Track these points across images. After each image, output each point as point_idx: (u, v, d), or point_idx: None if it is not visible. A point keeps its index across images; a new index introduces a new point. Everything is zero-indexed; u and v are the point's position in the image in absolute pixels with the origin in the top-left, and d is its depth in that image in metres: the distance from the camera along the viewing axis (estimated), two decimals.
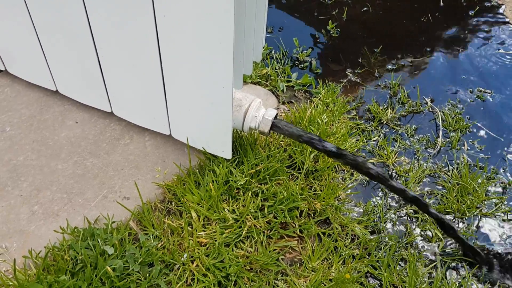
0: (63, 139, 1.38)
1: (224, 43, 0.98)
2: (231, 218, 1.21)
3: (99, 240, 1.11)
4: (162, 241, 1.17)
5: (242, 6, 1.02)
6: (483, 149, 1.56)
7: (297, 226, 1.25)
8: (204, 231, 1.19)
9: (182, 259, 1.14)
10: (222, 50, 1.00)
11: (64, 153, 1.35)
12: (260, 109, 1.26)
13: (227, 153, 1.27)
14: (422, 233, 1.32)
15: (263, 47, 1.33)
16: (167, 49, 1.09)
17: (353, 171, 1.43)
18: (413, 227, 1.33)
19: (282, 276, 1.17)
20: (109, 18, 1.10)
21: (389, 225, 1.33)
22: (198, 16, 0.97)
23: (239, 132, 1.36)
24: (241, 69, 1.13)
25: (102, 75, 1.28)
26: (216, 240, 1.17)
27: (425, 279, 1.20)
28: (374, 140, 1.55)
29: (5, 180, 1.27)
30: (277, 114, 1.27)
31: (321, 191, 1.33)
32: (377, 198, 1.39)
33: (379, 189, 1.41)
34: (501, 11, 2.16)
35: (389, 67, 1.84)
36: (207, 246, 1.17)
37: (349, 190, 1.39)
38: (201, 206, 1.23)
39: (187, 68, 1.10)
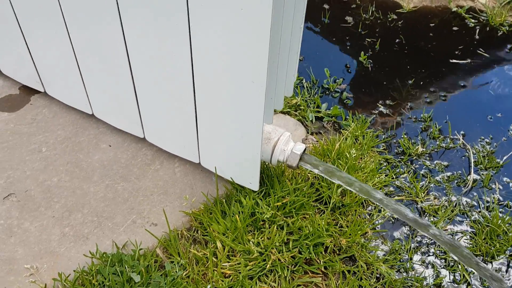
0: (96, 162, 1.42)
1: (257, 83, 1.00)
2: (255, 251, 1.21)
3: (126, 266, 1.14)
4: (187, 270, 1.18)
5: (276, 47, 1.04)
6: None
7: (321, 262, 1.24)
8: (228, 262, 1.20)
9: None
10: (255, 89, 1.02)
11: (97, 176, 1.38)
12: (289, 143, 1.27)
13: (254, 185, 1.28)
14: (450, 275, 1.29)
15: (295, 81, 1.35)
16: (201, 84, 1.11)
17: (381, 207, 1.41)
18: (440, 268, 1.30)
19: None
20: (146, 46, 1.13)
21: (415, 265, 1.31)
22: (233, 55, 1.00)
23: (267, 164, 1.37)
24: (272, 105, 1.15)
25: (137, 101, 1.32)
26: (240, 272, 1.17)
27: None
28: (403, 177, 1.53)
29: (39, 200, 1.32)
30: (305, 149, 1.27)
31: (347, 227, 1.32)
32: (404, 236, 1.37)
33: (406, 227, 1.39)
34: None
35: (422, 100, 1.82)
36: (231, 277, 1.18)
37: (377, 227, 1.37)
38: (226, 237, 1.24)
39: (220, 102, 1.12)
